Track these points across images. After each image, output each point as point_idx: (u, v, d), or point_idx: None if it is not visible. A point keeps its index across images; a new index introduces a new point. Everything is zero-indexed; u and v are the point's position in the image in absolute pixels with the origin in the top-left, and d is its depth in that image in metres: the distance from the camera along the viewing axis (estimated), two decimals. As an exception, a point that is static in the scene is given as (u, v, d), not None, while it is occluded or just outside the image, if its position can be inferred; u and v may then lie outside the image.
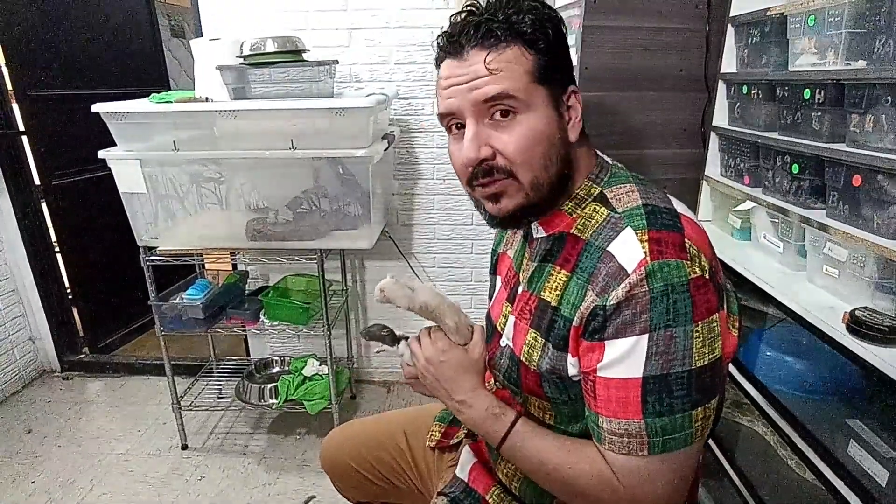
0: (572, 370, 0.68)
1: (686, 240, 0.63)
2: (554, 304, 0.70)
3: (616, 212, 0.68)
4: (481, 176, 0.69)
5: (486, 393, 0.77)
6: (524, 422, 0.73)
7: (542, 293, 0.73)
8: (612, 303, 0.62)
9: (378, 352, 2.26)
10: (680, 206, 0.69)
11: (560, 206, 0.73)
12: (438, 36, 0.70)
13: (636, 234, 0.63)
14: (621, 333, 0.62)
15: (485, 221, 0.76)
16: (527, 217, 0.72)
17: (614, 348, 0.62)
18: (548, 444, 0.70)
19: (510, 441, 0.72)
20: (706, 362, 0.61)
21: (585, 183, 0.73)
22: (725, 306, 0.65)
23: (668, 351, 0.60)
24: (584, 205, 0.72)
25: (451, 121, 0.71)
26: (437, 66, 0.72)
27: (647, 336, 0.60)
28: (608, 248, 0.65)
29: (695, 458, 0.65)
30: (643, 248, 0.62)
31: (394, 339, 0.87)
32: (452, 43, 0.68)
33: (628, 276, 0.61)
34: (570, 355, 0.68)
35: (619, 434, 0.63)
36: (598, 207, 0.71)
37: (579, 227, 0.71)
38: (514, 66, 0.65)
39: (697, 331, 0.60)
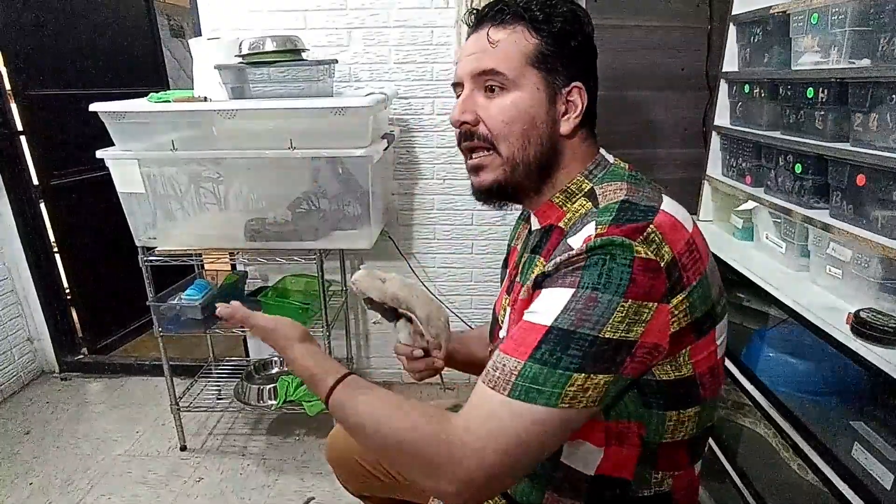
0: None
1: (651, 226, 0.61)
2: None
3: (597, 207, 0.68)
4: (463, 139, 0.75)
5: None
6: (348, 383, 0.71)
7: (529, 284, 0.73)
8: (551, 267, 0.64)
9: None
10: (669, 205, 0.67)
11: (551, 197, 0.75)
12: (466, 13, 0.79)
13: (595, 228, 0.63)
14: (550, 284, 0.63)
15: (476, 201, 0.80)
16: (503, 195, 0.76)
17: (541, 297, 0.64)
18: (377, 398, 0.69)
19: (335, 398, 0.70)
20: (615, 337, 0.59)
21: (578, 178, 0.74)
22: (673, 303, 0.61)
23: (585, 310, 0.59)
24: (574, 199, 0.73)
25: (458, 90, 0.76)
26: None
27: (572, 291, 0.60)
28: (568, 240, 0.66)
29: (545, 429, 0.59)
30: (595, 233, 0.63)
31: (393, 315, 0.87)
32: (475, 16, 0.75)
33: (572, 249, 0.63)
34: None
35: (494, 367, 0.62)
36: (585, 202, 0.71)
37: (566, 220, 0.72)
38: (512, 44, 0.70)
39: (623, 306, 0.58)
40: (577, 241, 0.64)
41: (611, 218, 0.64)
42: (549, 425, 0.59)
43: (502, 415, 0.59)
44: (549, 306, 0.61)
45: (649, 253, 0.60)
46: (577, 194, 0.73)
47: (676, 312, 0.62)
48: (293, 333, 0.78)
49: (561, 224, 0.73)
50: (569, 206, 0.73)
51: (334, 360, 0.77)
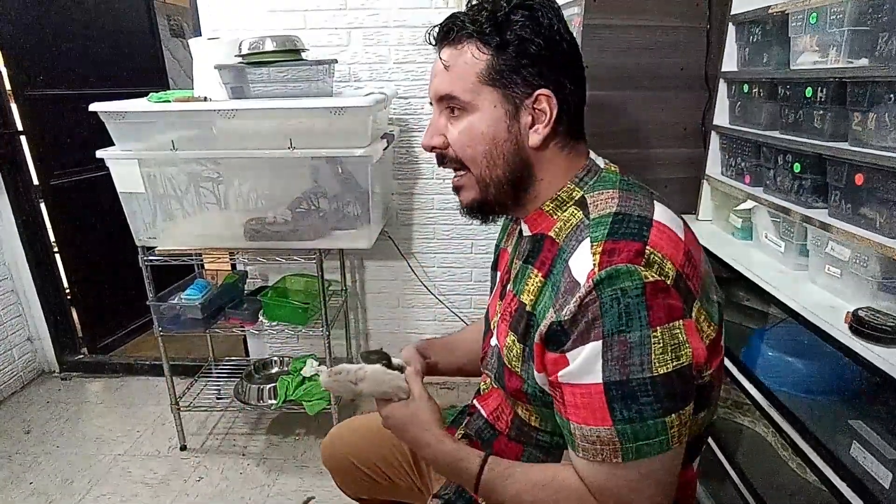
0: (540, 379, 0.68)
1: (648, 247, 0.61)
2: (529, 308, 0.70)
3: (588, 218, 0.67)
4: (438, 162, 0.76)
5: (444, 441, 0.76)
6: (491, 468, 0.72)
7: (521, 295, 0.72)
8: (567, 318, 0.61)
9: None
10: (661, 213, 0.66)
11: (541, 205, 0.73)
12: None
13: (591, 246, 0.62)
14: (578, 343, 0.61)
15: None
16: (486, 212, 0.77)
17: (574, 358, 0.62)
18: (521, 486, 0.70)
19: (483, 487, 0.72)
20: (670, 369, 0.59)
21: (568, 185, 0.72)
22: (694, 315, 0.63)
23: (624, 356, 0.58)
24: (564, 208, 0.71)
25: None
26: None
27: (600, 342, 0.59)
28: (569, 262, 0.64)
29: (674, 463, 0.63)
30: (594, 260, 0.61)
31: (390, 368, 0.84)
32: (436, 35, 0.73)
33: (580, 288, 0.61)
34: (535, 369, 0.68)
35: (591, 441, 0.62)
36: (576, 212, 0.69)
37: (556, 229, 0.71)
38: (462, 64, 0.68)
39: (656, 336, 0.58)
40: (579, 271, 0.62)
41: (606, 232, 0.63)
42: (672, 464, 0.63)
43: (633, 482, 0.62)
44: (587, 364, 0.60)
45: (655, 275, 0.59)
46: (568, 202, 0.71)
47: (700, 324, 0.63)
48: (432, 416, 0.78)
49: (552, 234, 0.71)
50: (559, 214, 0.72)
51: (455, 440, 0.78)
